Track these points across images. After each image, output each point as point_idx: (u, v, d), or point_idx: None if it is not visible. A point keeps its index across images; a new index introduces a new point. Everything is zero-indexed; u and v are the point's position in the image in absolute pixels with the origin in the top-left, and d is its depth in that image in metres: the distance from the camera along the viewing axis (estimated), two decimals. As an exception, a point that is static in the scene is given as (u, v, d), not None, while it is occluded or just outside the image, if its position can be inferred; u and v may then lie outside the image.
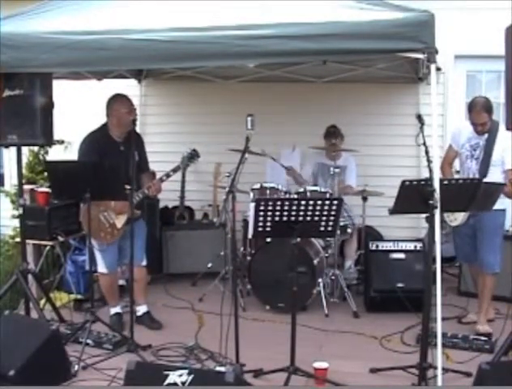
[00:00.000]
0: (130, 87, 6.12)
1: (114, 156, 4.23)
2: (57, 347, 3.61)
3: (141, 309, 4.56)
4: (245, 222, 5.33)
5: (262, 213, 3.37)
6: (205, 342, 4.07)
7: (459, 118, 6.02)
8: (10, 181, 6.70)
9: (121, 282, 5.12)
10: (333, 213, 3.42)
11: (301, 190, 5.15)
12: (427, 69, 3.45)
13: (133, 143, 4.00)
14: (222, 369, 3.44)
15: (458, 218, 4.19)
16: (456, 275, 5.35)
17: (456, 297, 5.14)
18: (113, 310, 4.61)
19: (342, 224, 5.07)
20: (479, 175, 4.12)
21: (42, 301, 4.55)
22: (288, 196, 5.10)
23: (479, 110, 4.10)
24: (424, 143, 3.38)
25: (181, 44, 3.42)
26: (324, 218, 3.43)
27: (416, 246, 4.90)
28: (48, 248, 4.98)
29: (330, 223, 3.46)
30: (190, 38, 3.40)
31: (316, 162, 5.72)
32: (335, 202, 3.42)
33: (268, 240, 4.86)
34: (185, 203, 6.11)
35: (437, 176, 3.34)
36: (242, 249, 5.56)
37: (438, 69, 4.70)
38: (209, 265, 5.59)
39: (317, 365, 3.47)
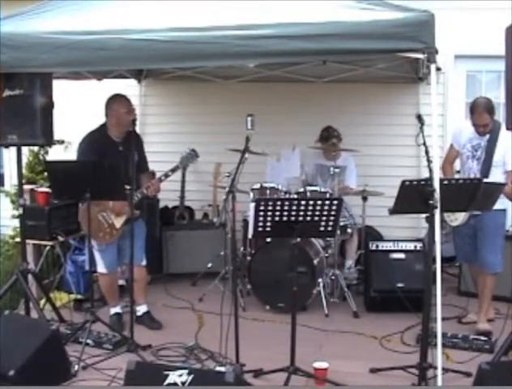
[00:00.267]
0: (130, 87, 6.13)
1: (113, 156, 4.23)
2: (57, 347, 3.61)
3: (141, 309, 4.56)
4: (245, 222, 5.33)
5: (262, 213, 3.37)
6: (205, 342, 4.07)
7: (459, 118, 6.03)
8: (10, 181, 6.71)
9: (121, 282, 5.12)
10: (333, 213, 3.42)
11: (301, 190, 5.16)
12: (427, 69, 3.45)
13: (132, 144, 4.00)
14: (222, 369, 3.44)
15: (458, 218, 4.19)
16: (456, 275, 5.35)
17: (456, 297, 5.14)
18: (113, 310, 4.61)
19: (342, 224, 5.08)
20: (480, 176, 4.10)
21: (42, 301, 4.55)
22: (288, 196, 5.10)
23: (481, 111, 4.09)
24: (424, 143, 3.38)
25: (180, 44, 3.42)
26: (324, 218, 3.43)
27: (415, 246, 4.90)
28: (48, 248, 4.98)
29: (330, 223, 3.46)
30: (190, 38, 3.40)
31: (314, 163, 5.73)
32: (335, 202, 3.42)
33: (268, 240, 4.86)
34: (185, 203, 6.12)
35: (437, 176, 3.34)
36: (242, 249, 5.56)
37: (438, 69, 4.70)
38: (209, 265, 5.59)
39: (317, 365, 3.47)
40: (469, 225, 4.23)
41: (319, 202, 3.39)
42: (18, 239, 4.88)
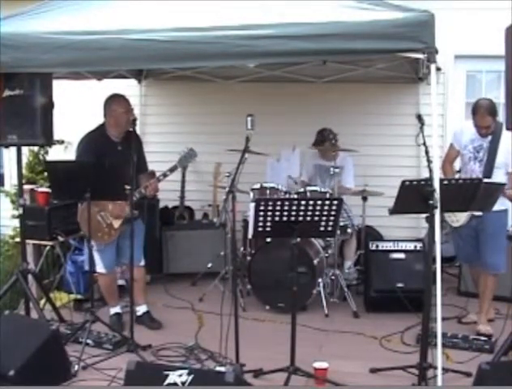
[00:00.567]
0: (130, 87, 6.14)
1: (112, 156, 4.23)
2: (57, 347, 3.60)
3: (141, 309, 4.57)
4: (245, 222, 5.33)
5: (262, 213, 3.37)
6: (205, 342, 4.07)
7: (459, 118, 6.04)
8: (10, 181, 6.71)
9: (121, 282, 5.13)
10: (333, 213, 3.42)
11: (301, 190, 5.16)
12: (427, 69, 3.44)
13: (132, 144, 4.00)
14: (222, 369, 3.44)
15: (460, 219, 4.18)
16: (456, 275, 5.35)
17: (456, 297, 5.14)
18: (113, 310, 4.61)
19: (342, 224, 5.08)
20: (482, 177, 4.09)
21: (42, 301, 4.55)
22: (287, 196, 5.10)
23: (483, 113, 4.05)
24: (424, 143, 3.37)
25: (181, 44, 3.41)
26: (324, 218, 3.43)
27: (416, 246, 4.90)
28: (48, 248, 4.98)
29: (330, 223, 3.46)
30: (191, 38, 3.39)
31: (313, 164, 5.73)
32: (335, 202, 3.42)
33: (268, 240, 4.86)
34: (185, 203, 6.12)
35: (437, 176, 3.33)
36: (242, 249, 5.55)
37: (438, 69, 4.71)
38: (209, 265, 5.59)
39: (317, 365, 3.47)
40: (471, 226, 4.23)
41: (319, 202, 3.39)
42: (18, 239, 4.88)
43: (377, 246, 4.94)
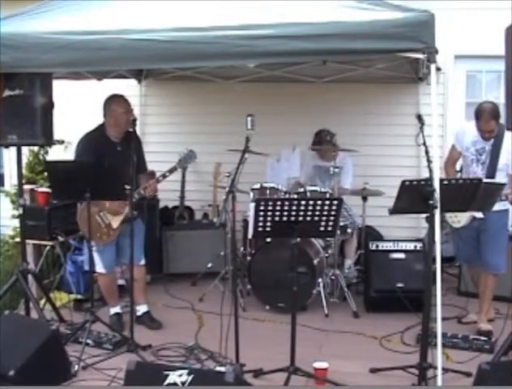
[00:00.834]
0: (130, 87, 6.14)
1: (111, 156, 4.23)
2: (57, 347, 3.60)
3: (141, 309, 4.57)
4: (245, 222, 5.33)
5: (262, 213, 3.37)
6: (205, 342, 4.07)
7: (459, 118, 6.04)
8: (10, 181, 6.71)
9: (121, 282, 5.13)
10: (333, 213, 3.42)
11: (301, 190, 5.16)
12: (427, 69, 3.45)
13: (132, 144, 3.99)
14: (222, 369, 3.44)
15: (461, 220, 4.18)
16: (456, 275, 5.35)
17: (456, 297, 5.14)
18: (113, 310, 4.61)
19: (342, 224, 5.08)
20: None
21: (42, 301, 4.54)
22: (287, 196, 5.10)
23: (487, 118, 4.02)
24: (424, 143, 3.37)
25: (181, 44, 3.41)
26: (324, 218, 3.43)
27: (416, 246, 4.90)
28: (48, 248, 4.98)
29: (330, 223, 3.46)
30: (191, 38, 3.39)
31: (312, 166, 5.72)
32: (335, 202, 3.42)
33: (268, 240, 4.86)
34: (185, 203, 6.12)
35: (437, 176, 3.33)
36: (242, 249, 5.55)
37: (438, 69, 4.70)
38: (209, 265, 5.59)
39: (317, 365, 3.47)
40: (472, 227, 4.22)
41: (319, 202, 3.39)
42: (18, 239, 4.88)
43: (377, 246, 4.94)
